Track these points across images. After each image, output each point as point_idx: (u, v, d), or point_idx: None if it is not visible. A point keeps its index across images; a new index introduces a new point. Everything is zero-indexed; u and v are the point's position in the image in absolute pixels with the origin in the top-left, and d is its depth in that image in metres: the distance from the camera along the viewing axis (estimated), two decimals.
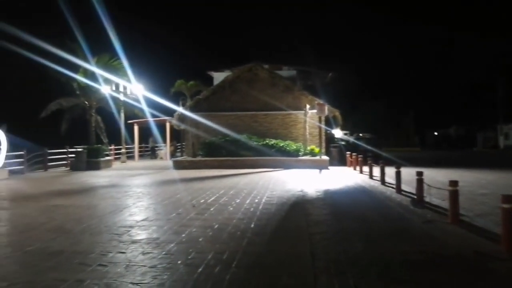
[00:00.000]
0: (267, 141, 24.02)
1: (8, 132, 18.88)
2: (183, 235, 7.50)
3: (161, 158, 33.47)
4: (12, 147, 19.60)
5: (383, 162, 15.63)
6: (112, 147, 30.69)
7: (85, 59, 25.00)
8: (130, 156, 32.53)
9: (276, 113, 26.07)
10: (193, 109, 26.72)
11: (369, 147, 27.48)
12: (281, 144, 23.83)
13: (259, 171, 20.59)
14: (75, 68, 24.97)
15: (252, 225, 8.30)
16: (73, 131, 27.19)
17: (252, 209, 10.08)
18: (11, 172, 19.57)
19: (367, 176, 17.50)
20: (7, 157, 19.05)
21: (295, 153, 23.59)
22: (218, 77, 31.44)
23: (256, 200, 11.37)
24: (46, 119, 26.24)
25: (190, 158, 24.94)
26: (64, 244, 7.02)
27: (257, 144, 23.57)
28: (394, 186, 13.17)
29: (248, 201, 11.30)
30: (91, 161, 23.67)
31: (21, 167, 21.40)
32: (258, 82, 26.51)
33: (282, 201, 11.30)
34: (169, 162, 26.04)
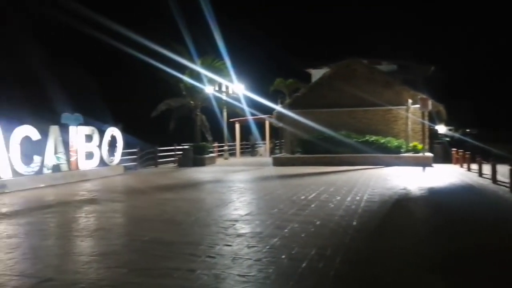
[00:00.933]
0: (367, 138, 23.45)
1: (123, 131, 20.27)
2: (286, 230, 7.59)
3: (261, 155, 34.05)
4: (126, 145, 21.03)
5: (494, 159, 14.58)
6: (216, 144, 31.76)
7: (191, 61, 26.14)
8: (232, 153, 33.46)
9: (375, 109, 25.34)
10: (291, 106, 26.84)
11: (476, 143, 25.78)
12: (382, 141, 23.14)
13: (358, 169, 20.20)
14: (182, 70, 26.19)
15: (354, 223, 8.18)
16: (180, 129, 28.55)
17: (353, 206, 9.93)
18: (126, 168, 21.01)
19: (476, 174, 16.45)
20: (122, 154, 20.48)
21: (397, 150, 22.79)
22: (316, 74, 31.26)
23: (357, 198, 11.17)
24: (156, 118, 27.85)
25: (288, 155, 25.11)
26: (175, 235, 7.42)
27: (356, 141, 23.11)
28: (508, 186, 12.23)
29: (349, 198, 11.14)
30: (197, 158, 24.69)
31: (135, 163, 22.90)
32: (356, 77, 25.95)
33: (384, 199, 11.00)
34: (268, 159, 26.42)
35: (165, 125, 28.47)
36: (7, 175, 13.79)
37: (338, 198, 11.22)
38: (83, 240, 7.29)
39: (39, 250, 6.72)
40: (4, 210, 10.37)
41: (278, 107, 28.07)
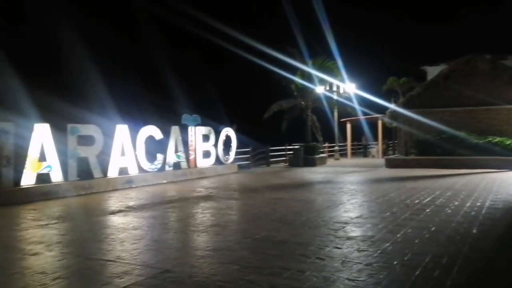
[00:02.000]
0: (490, 139, 21.68)
1: (237, 131, 20.92)
2: (398, 235, 7.28)
3: (373, 156, 33.11)
4: (240, 144, 21.68)
5: None
6: (326, 144, 31.52)
7: (303, 62, 26.25)
8: (343, 154, 32.97)
9: (499, 107, 23.28)
10: (405, 106, 25.71)
11: None
12: (508, 142, 21.24)
13: (478, 172, 18.78)
14: (294, 71, 26.39)
15: (474, 230, 7.60)
16: (291, 130, 28.79)
17: (473, 212, 9.24)
18: (240, 167, 21.67)
19: None
20: (236, 153, 21.16)
21: None
22: (432, 71, 29.67)
23: (478, 204, 10.38)
24: (268, 119, 28.37)
25: (402, 157, 24.09)
26: (286, 234, 7.47)
27: (477, 142, 21.48)
28: None
29: (468, 204, 10.39)
30: (308, 158, 24.70)
31: (248, 162, 23.54)
32: (477, 74, 24.08)
33: (509, 206, 10.09)
34: (381, 160, 25.60)
35: (276, 126, 28.89)
36: (134, 172, 14.91)
37: (456, 203, 10.51)
38: (199, 235, 7.63)
39: (160, 243, 7.15)
40: (131, 203, 11.22)
41: (391, 106, 27.08)
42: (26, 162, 11.73)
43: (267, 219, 8.92)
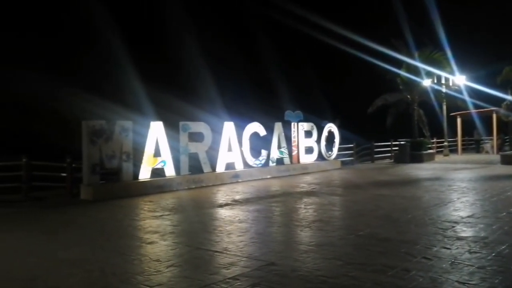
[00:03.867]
0: None
1: (340, 127, 20.61)
2: None
3: (487, 152, 30.74)
4: (343, 140, 21.34)
5: None
6: (434, 140, 29.91)
7: (408, 55, 25.14)
8: (453, 150, 31.06)
9: None
10: None
11: None
12: None
13: None
14: (398, 64, 25.38)
15: None
16: (396, 125, 27.74)
17: None
18: (343, 163, 21.34)
19: None
20: (339, 149, 20.86)
21: None
22: None
23: None
24: (372, 114, 27.60)
25: None
26: (391, 232, 7.23)
27: None
28: None
29: None
30: (414, 154, 23.64)
31: (351, 158, 23.10)
32: None
33: None
34: (496, 157, 23.72)
35: (381, 121, 28.00)
36: (240, 167, 15.35)
37: None
38: (302, 230, 7.66)
39: (264, 236, 7.30)
40: (237, 197, 11.57)
41: (509, 97, 24.92)
42: (143, 158, 12.58)
43: (370, 216, 8.70)
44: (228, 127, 14.90)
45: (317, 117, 19.74)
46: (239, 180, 14.95)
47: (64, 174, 12.03)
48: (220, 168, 14.68)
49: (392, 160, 25.01)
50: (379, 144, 25.79)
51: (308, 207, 10.06)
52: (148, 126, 12.71)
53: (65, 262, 5.93)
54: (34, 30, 18.62)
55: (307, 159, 18.51)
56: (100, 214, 9.73)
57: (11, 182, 11.79)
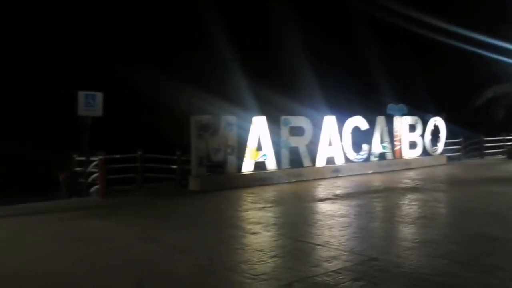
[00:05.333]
0: None
1: (447, 120, 19.53)
2: None
3: None
4: (450, 135, 20.19)
5: None
6: None
7: None
8: None
9: None
10: None
11: None
12: None
13: None
14: (509, 52, 23.37)
15: None
16: (509, 118, 25.60)
17: None
18: (449, 158, 20.21)
19: None
20: (445, 144, 19.78)
21: None
22: None
23: None
24: (481, 107, 25.73)
25: None
26: (501, 231, 6.78)
27: None
28: None
29: None
30: None
31: (458, 153, 21.78)
32: None
33: None
34: None
35: (487, 113, 25.99)
36: (340, 161, 15.19)
37: None
38: (405, 226, 7.45)
39: (366, 231, 7.22)
40: (338, 192, 11.50)
41: None
42: (246, 151, 12.97)
43: (478, 214, 8.21)
44: (329, 121, 14.80)
45: (422, 111, 18.86)
46: (339, 175, 14.81)
47: (174, 166, 12.78)
48: (320, 162, 14.65)
49: (504, 156, 23.17)
50: (490, 138, 24.00)
51: (412, 203, 9.73)
52: (250, 121, 13.06)
53: (175, 249, 6.35)
54: (142, 27, 19.84)
55: (410, 154, 17.80)
56: (207, 204, 10.22)
57: (127, 173, 12.78)
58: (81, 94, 12.00)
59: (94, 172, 11.58)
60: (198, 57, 19.90)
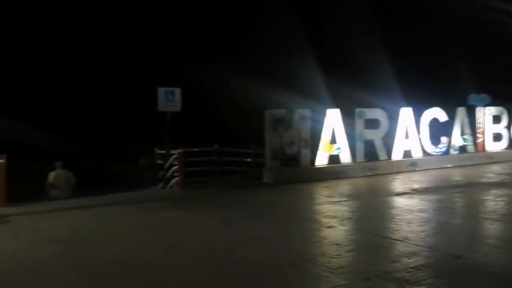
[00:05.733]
0: None
1: None
2: None
3: None
4: None
5: None
6: None
7: None
8: None
9: None
10: None
11: None
12: None
13: None
14: None
15: None
16: None
17: None
18: None
19: None
20: None
21: None
22: None
23: None
24: None
25: None
26: None
27: None
28: None
29: None
30: None
31: None
32: None
33: None
34: None
35: None
36: (418, 155, 14.62)
37: None
38: (491, 223, 7.03)
39: (447, 227, 6.91)
40: (415, 186, 11.08)
41: None
42: (320, 144, 12.84)
43: None
44: (406, 113, 14.28)
45: (506, 101, 17.64)
46: (417, 169, 14.25)
47: (249, 160, 12.95)
48: (396, 155, 14.19)
49: None
50: None
51: (498, 199, 9.15)
52: (324, 114, 12.91)
53: (252, 239, 6.44)
54: (213, 21, 20.12)
55: (494, 147, 16.74)
56: (281, 197, 10.27)
57: (205, 166, 13.13)
58: (161, 90, 12.47)
59: (174, 165, 12.01)
60: (271, 51, 19.92)
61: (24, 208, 9.11)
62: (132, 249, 6.10)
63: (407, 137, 14.31)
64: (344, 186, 11.32)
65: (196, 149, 12.85)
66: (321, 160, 12.81)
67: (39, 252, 5.97)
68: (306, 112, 12.69)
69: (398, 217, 7.57)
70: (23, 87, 16.74)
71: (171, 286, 4.72)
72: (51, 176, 10.87)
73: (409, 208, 8.27)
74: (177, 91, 12.64)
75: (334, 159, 13.12)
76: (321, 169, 12.74)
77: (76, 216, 8.49)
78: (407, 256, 5.38)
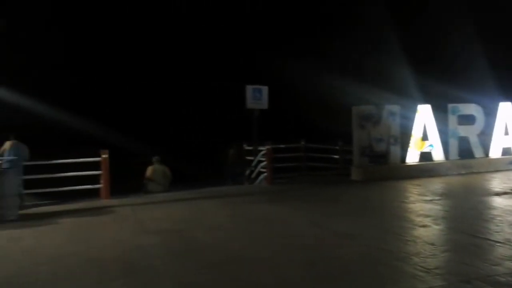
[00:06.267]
0: None
1: None
2: None
3: None
4: None
5: None
6: None
7: None
8: None
9: None
10: None
11: None
12: None
13: None
14: None
15: None
16: None
17: None
18: None
19: None
20: None
21: None
22: None
23: None
24: None
25: None
26: None
27: None
28: None
29: None
30: None
31: None
32: None
33: None
34: None
35: None
36: None
37: None
38: None
39: None
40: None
41: None
42: (410, 141, 12.39)
43: None
44: (505, 108, 13.33)
45: None
46: None
47: (336, 156, 12.85)
48: (494, 153, 13.28)
49: None
50: None
51: None
52: (414, 110, 12.44)
53: (342, 235, 6.41)
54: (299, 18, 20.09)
55: None
56: (370, 194, 10.07)
57: (291, 162, 13.23)
58: (249, 88, 12.75)
59: (262, 161, 12.24)
60: (357, 47, 19.56)
61: (126, 200, 9.78)
62: (226, 241, 6.33)
63: (506, 133, 13.37)
64: (437, 184, 10.85)
65: (282, 146, 13.00)
66: (412, 157, 12.38)
67: (141, 241, 6.39)
68: (395, 108, 12.32)
69: (498, 218, 7.12)
70: (115, 91, 17.94)
71: (266, 279, 4.83)
72: (149, 170, 11.55)
73: (510, 209, 7.74)
74: (264, 89, 12.85)
75: (425, 156, 12.61)
76: (411, 166, 12.31)
77: (172, 208, 8.97)
78: (510, 260, 5.06)
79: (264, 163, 12.00)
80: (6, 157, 9.39)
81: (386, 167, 12.19)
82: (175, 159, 13.18)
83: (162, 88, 18.62)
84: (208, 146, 15.75)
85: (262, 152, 12.17)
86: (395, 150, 12.20)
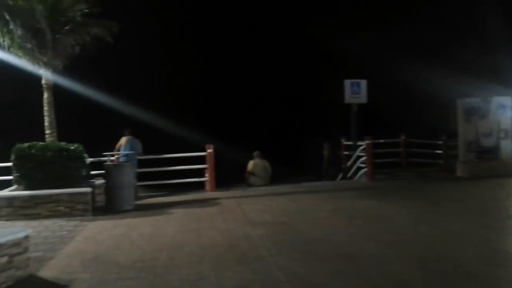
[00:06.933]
0: None
1: None
2: None
3: None
4: None
5: None
6: None
7: None
8: None
9: None
10: None
11: None
12: None
13: None
14: None
15: None
16: None
17: None
18: None
19: None
20: None
21: None
22: None
23: None
24: None
25: None
26: None
27: None
28: None
29: None
30: None
31: None
32: None
33: None
34: None
35: None
36: None
37: None
38: None
39: None
40: None
41: None
42: None
43: None
44: None
45: None
46: None
47: (439, 151, 12.25)
48: None
49: None
50: None
51: None
52: None
53: (451, 234, 6.11)
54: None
55: None
56: (478, 191, 9.49)
57: (392, 157, 12.84)
58: (347, 82, 12.55)
59: (361, 156, 12.03)
60: (459, 40, 18.43)
61: (230, 193, 10.16)
62: (330, 235, 6.31)
63: None
64: None
65: (382, 141, 12.67)
66: None
67: (248, 232, 6.58)
68: (506, 100, 11.49)
69: None
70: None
71: (373, 273, 4.74)
72: (250, 164, 11.86)
73: None
74: (363, 83, 12.58)
75: None
76: None
77: (274, 201, 9.12)
78: None
79: (364, 158, 11.77)
80: (123, 152, 10.15)
81: (495, 163, 11.42)
82: (273, 157, 13.38)
83: (260, 88, 19.01)
84: (305, 144, 15.70)
85: (362, 147, 11.94)
86: (506, 144, 11.40)
